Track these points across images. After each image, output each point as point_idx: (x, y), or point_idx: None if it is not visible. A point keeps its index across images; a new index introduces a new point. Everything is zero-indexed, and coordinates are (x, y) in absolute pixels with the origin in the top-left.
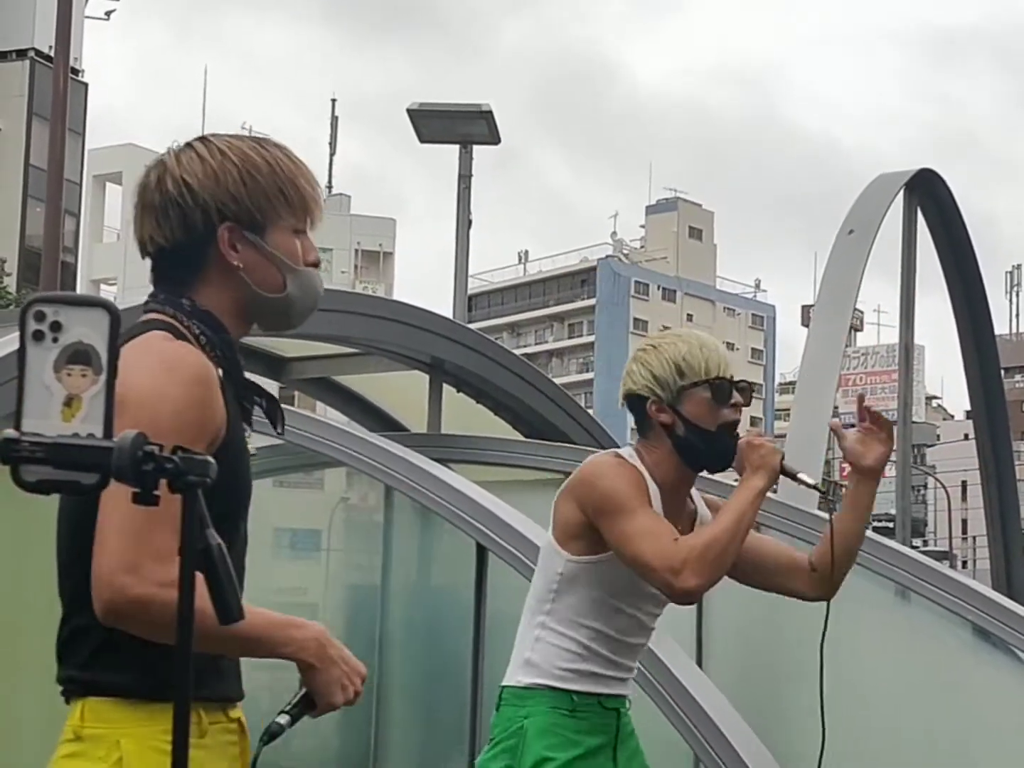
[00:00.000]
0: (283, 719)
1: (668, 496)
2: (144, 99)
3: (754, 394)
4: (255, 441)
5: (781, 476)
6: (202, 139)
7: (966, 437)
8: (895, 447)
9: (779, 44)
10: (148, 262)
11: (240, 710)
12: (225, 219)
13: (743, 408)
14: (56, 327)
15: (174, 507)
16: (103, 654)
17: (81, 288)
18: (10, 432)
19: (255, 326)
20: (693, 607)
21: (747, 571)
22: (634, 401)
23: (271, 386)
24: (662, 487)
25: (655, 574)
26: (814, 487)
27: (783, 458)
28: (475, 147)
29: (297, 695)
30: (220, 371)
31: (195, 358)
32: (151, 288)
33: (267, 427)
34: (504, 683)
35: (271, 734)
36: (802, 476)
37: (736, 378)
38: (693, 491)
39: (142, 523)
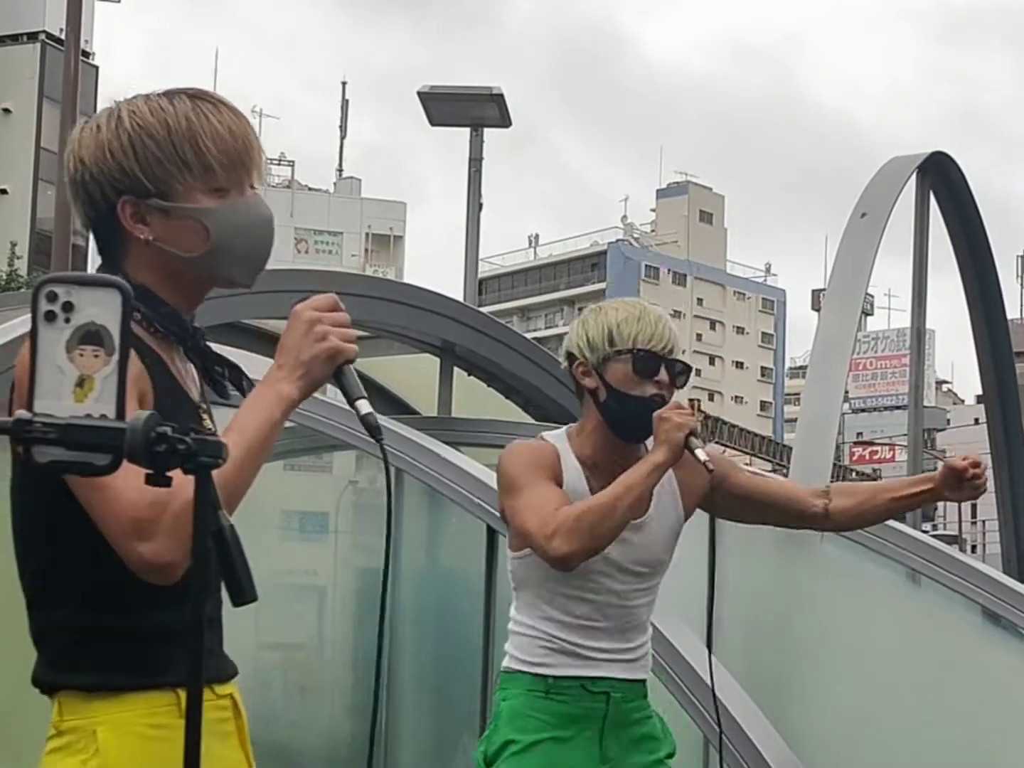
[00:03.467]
0: (362, 405)
1: (597, 471)
2: (155, 81)
3: (691, 378)
4: None
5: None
6: (111, 107)
7: (976, 422)
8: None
9: (794, 22)
10: None
11: (232, 687)
12: (121, 193)
13: (676, 388)
14: (68, 307)
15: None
16: (71, 654)
17: (92, 271)
18: (23, 413)
19: (223, 283)
20: (703, 594)
21: (754, 513)
22: (568, 362)
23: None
24: (590, 462)
25: (532, 540)
26: (704, 465)
27: (692, 433)
28: (486, 129)
29: (341, 390)
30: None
31: None
32: None
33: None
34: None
35: (371, 426)
36: (698, 453)
37: (673, 357)
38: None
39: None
